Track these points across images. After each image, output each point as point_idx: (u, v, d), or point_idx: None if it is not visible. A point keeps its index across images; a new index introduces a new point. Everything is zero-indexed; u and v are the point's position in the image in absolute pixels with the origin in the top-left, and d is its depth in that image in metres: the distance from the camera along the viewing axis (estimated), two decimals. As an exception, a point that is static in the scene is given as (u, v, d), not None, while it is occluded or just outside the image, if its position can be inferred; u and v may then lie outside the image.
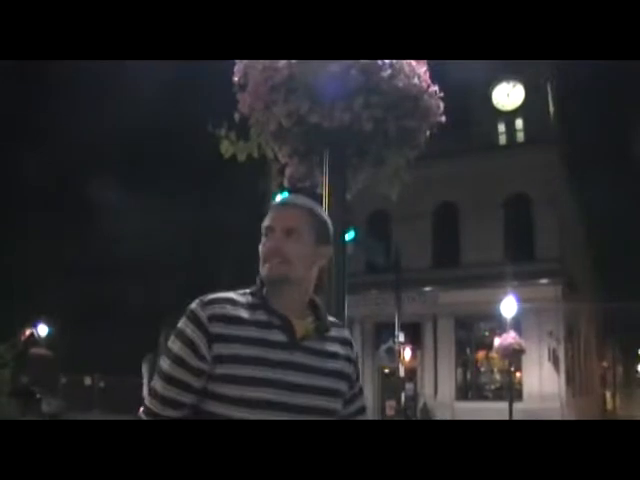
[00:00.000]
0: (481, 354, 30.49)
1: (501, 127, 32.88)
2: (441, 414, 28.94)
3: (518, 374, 28.32)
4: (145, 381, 36.82)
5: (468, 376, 30.91)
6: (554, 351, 28.32)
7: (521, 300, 25.56)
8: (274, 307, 2.02)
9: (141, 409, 2.03)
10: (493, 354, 27.53)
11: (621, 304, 37.41)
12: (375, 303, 29.43)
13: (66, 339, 34.45)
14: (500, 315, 25.51)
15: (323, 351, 2.08)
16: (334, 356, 2.11)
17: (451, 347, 30.51)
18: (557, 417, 26.73)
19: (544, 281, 28.61)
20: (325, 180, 4.40)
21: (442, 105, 4.49)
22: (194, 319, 1.96)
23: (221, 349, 1.93)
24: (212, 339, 1.93)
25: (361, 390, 2.26)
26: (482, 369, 30.78)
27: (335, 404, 2.08)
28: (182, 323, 1.98)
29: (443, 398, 29.77)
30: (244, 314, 1.99)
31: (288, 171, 4.72)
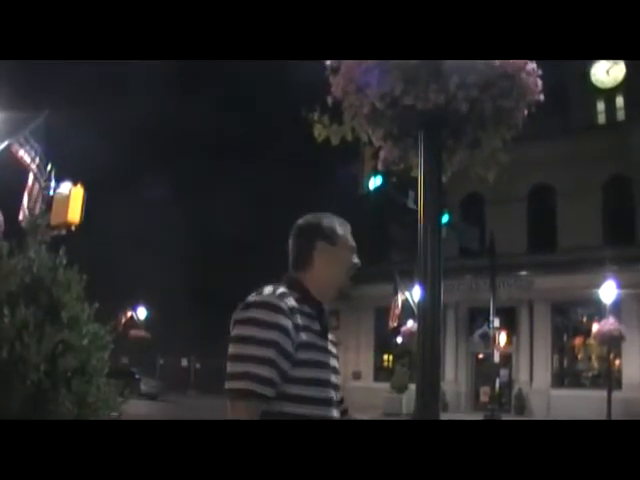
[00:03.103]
0: (578, 340, 29.74)
1: (600, 106, 31.82)
2: (536, 401, 28.42)
3: (617, 362, 27.48)
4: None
5: (565, 363, 30.21)
6: (656, 338, 27.34)
7: (621, 285, 24.77)
8: (319, 302, 2.37)
9: (236, 391, 2.16)
10: (591, 341, 26.82)
11: None
12: (469, 288, 29.09)
13: (164, 322, 35.47)
14: (599, 300, 24.81)
15: (331, 340, 2.44)
16: (335, 344, 2.48)
17: (547, 333, 29.87)
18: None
19: (646, 266, 27.63)
20: (420, 163, 4.33)
21: (540, 83, 4.34)
22: (280, 310, 2.19)
23: (301, 337, 2.21)
24: (296, 327, 2.20)
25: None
26: (579, 356, 30.02)
27: (338, 380, 2.41)
28: (266, 314, 2.18)
29: (538, 385, 29.21)
30: (300, 307, 2.27)
31: (382, 154, 4.67)
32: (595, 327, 24.73)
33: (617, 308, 25.13)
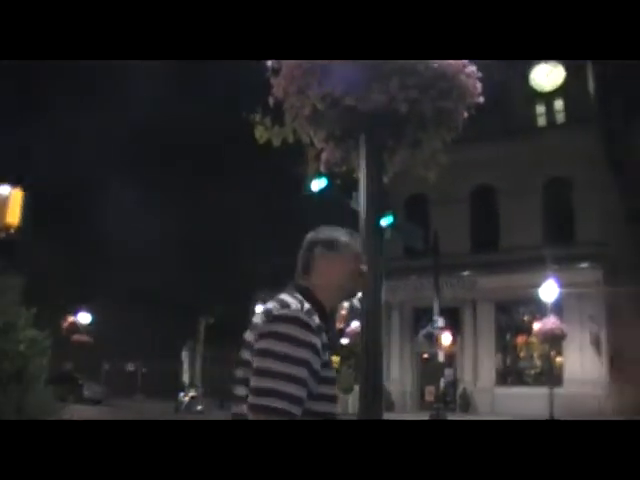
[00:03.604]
0: (521, 339, 30.20)
1: (540, 108, 32.39)
2: (481, 399, 28.79)
3: (558, 359, 28.02)
4: (186, 367, 37.08)
5: (508, 361, 30.64)
6: (595, 335, 27.94)
7: (561, 284, 25.26)
8: (329, 315, 2.38)
9: (263, 408, 2.10)
10: (533, 339, 27.30)
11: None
12: (414, 288, 29.30)
13: (109, 326, 34.96)
14: (540, 299, 25.25)
15: None
16: None
17: (491, 332, 30.26)
18: (598, 403, 26.44)
19: (585, 265, 28.20)
20: (362, 164, 4.34)
21: (479, 85, 4.39)
22: (309, 327, 2.18)
23: (326, 355, 2.22)
24: (323, 347, 2.20)
25: None
26: (522, 354, 30.48)
27: None
28: (299, 332, 2.16)
29: (483, 383, 29.59)
30: (320, 323, 2.25)
31: (324, 156, 4.67)
32: (537, 326, 25.18)
33: (558, 307, 25.61)
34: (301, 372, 2.11)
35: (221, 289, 32.15)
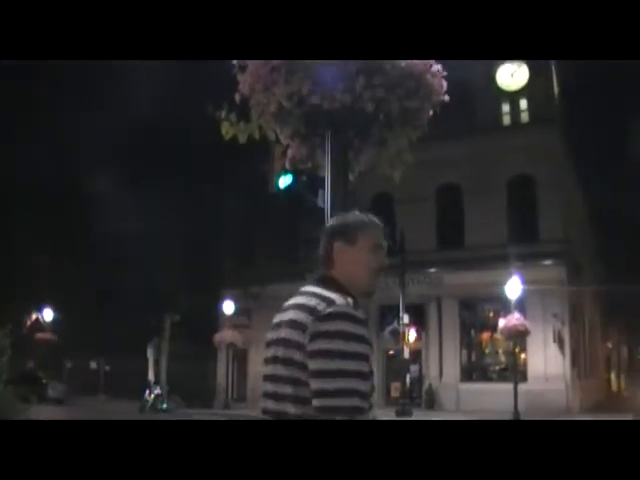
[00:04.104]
0: (485, 335, 30.46)
1: (505, 107, 32.67)
2: (446, 395, 28.99)
3: (523, 355, 28.30)
4: (150, 364, 36.63)
5: (473, 357, 30.89)
6: (559, 332, 28.27)
7: (525, 281, 25.52)
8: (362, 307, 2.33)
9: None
10: (497, 335, 27.55)
11: (625, 285, 37.25)
12: (379, 285, 29.32)
13: (72, 324, 34.58)
14: (504, 296, 25.48)
15: None
16: None
17: (456, 329, 30.47)
18: (562, 399, 26.79)
19: (548, 262, 28.51)
20: (327, 161, 4.35)
21: (445, 84, 4.42)
22: (361, 322, 2.17)
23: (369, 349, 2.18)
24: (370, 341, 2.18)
25: None
26: (486, 350, 30.74)
27: None
28: (351, 326, 2.15)
29: (448, 379, 29.79)
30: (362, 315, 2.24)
31: (290, 153, 4.67)
32: (501, 322, 25.41)
33: (522, 304, 25.87)
34: (364, 367, 2.13)
35: (187, 286, 31.97)
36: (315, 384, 2.10)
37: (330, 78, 4.00)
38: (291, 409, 2.16)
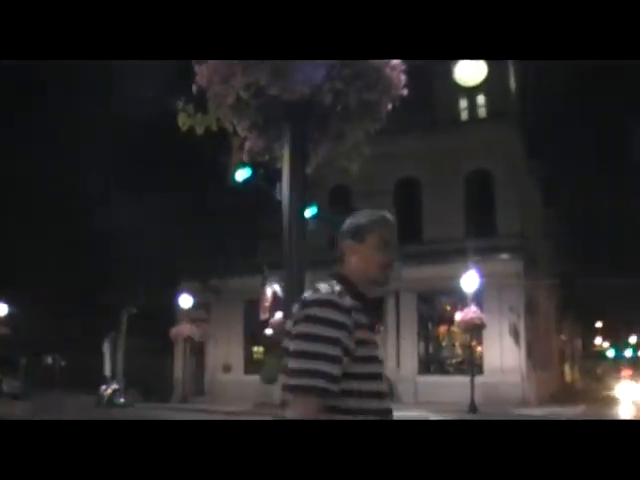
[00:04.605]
0: (443, 328, 30.72)
1: (463, 103, 32.93)
2: (404, 388, 29.14)
3: (479, 348, 28.58)
4: (107, 358, 36.14)
5: (430, 350, 31.12)
6: (514, 325, 28.61)
7: (482, 275, 25.78)
8: (367, 298, 2.46)
9: (305, 388, 2.22)
10: (454, 328, 27.81)
11: (579, 280, 37.78)
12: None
13: (26, 319, 34.04)
14: (461, 290, 25.72)
15: None
16: None
17: (413, 322, 30.65)
18: (517, 391, 27.14)
19: (505, 256, 28.83)
20: (285, 154, 4.32)
21: (404, 78, 4.41)
22: (340, 308, 2.29)
23: (359, 334, 2.30)
24: (355, 326, 2.29)
25: None
26: (444, 343, 31.00)
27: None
28: (329, 312, 2.27)
29: (405, 372, 29.95)
30: (354, 303, 2.35)
31: (247, 145, 4.63)
32: (458, 315, 25.65)
33: (478, 297, 26.14)
34: (336, 351, 2.22)
35: (144, 279, 31.65)
36: (289, 364, 2.27)
37: (289, 69, 3.97)
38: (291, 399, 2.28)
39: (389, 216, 2.66)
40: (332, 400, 2.22)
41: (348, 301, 2.32)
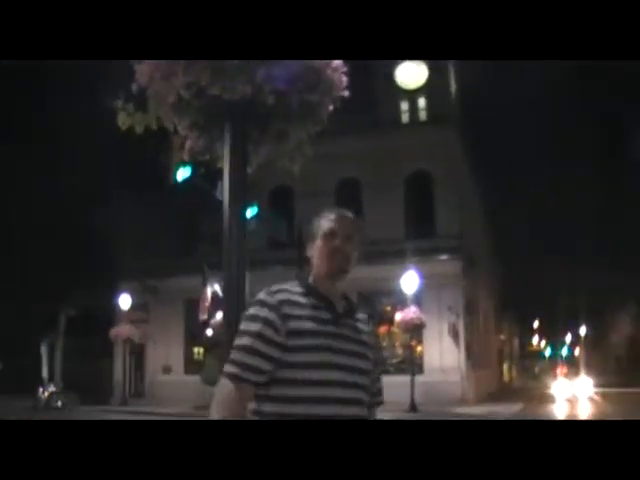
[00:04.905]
0: (383, 329, 30.88)
1: (404, 105, 33.23)
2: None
3: (419, 348, 28.90)
4: (44, 360, 35.33)
5: (371, 350, 31.29)
6: (454, 325, 29.02)
7: (422, 276, 26.06)
8: (322, 293, 2.60)
9: (225, 374, 2.42)
10: (395, 329, 28.02)
11: (517, 279, 38.44)
12: (279, 279, 29.32)
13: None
14: (401, 290, 25.96)
15: (354, 326, 2.65)
16: (361, 330, 2.67)
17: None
18: (457, 389, 27.53)
19: (444, 257, 29.23)
20: (226, 154, 4.31)
21: (345, 80, 4.43)
22: (267, 305, 2.49)
23: (291, 325, 2.45)
24: (285, 318, 2.46)
25: (382, 357, 2.84)
26: (384, 343, 31.19)
27: (366, 365, 2.60)
28: (255, 309, 2.50)
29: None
30: (300, 299, 2.54)
31: (188, 144, 4.59)
32: (398, 316, 25.89)
33: (418, 297, 26.42)
34: (252, 342, 2.41)
35: (82, 280, 31.12)
36: None
37: (230, 69, 3.96)
38: None
39: (341, 211, 2.76)
40: (266, 390, 2.40)
41: (280, 296, 2.52)
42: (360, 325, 2.70)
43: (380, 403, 2.83)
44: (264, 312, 2.47)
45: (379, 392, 2.83)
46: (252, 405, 2.42)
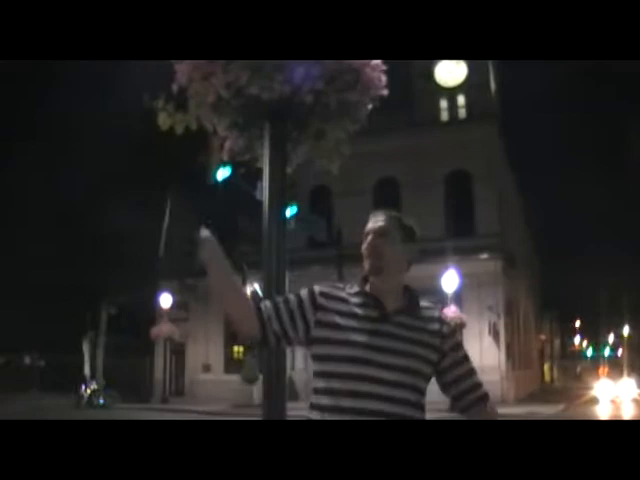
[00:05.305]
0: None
1: (443, 103, 33.05)
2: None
3: (459, 348, 28.68)
4: (86, 358, 35.87)
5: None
6: (494, 325, 28.78)
7: (462, 275, 25.88)
8: (369, 291, 2.64)
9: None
10: (434, 328, 27.83)
11: (558, 278, 37.95)
12: (317, 278, 29.39)
13: (3, 319, 33.77)
14: (441, 290, 25.81)
15: (411, 325, 2.60)
16: (421, 330, 2.62)
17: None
18: (496, 389, 27.28)
19: (484, 256, 28.99)
20: (265, 154, 4.31)
21: (384, 78, 4.41)
22: (309, 290, 2.66)
23: (321, 316, 2.56)
24: (317, 307, 2.59)
25: (462, 359, 2.77)
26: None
27: (417, 365, 2.58)
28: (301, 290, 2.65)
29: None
30: (349, 297, 2.63)
31: (227, 144, 4.61)
32: (438, 315, 25.72)
33: (458, 297, 26.23)
34: (277, 299, 2.65)
35: (124, 279, 31.48)
36: None
37: (269, 68, 3.97)
38: None
39: (384, 211, 2.85)
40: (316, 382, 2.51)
41: (333, 292, 2.66)
42: (421, 323, 2.66)
43: (481, 398, 2.78)
44: (303, 292, 2.65)
45: (475, 387, 2.79)
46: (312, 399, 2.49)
